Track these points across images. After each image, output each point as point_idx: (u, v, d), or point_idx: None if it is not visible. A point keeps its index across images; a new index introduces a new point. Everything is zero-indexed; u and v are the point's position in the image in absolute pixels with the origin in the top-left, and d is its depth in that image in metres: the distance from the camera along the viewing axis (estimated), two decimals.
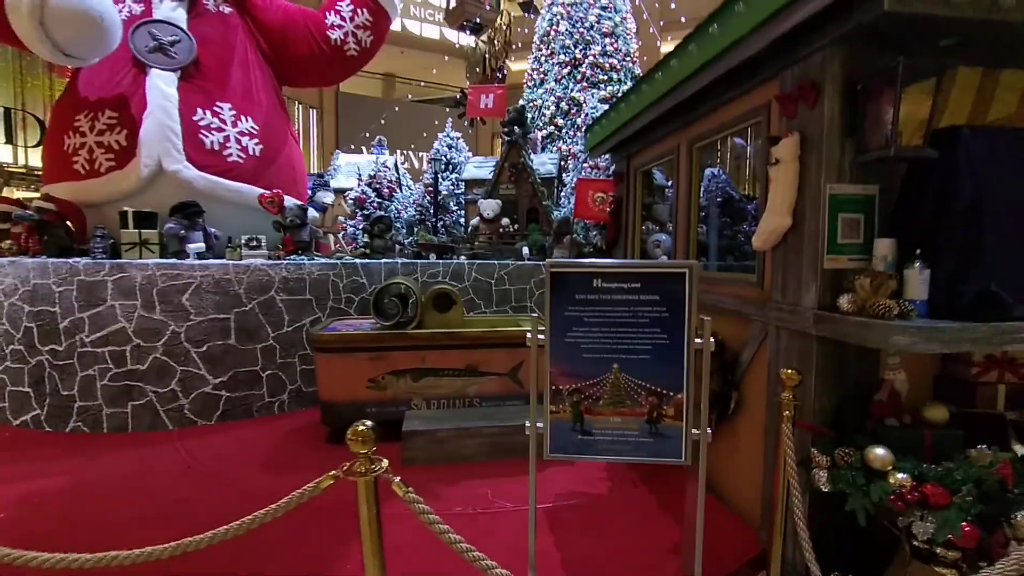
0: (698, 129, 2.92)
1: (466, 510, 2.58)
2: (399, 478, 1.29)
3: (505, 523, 2.43)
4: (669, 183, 4.69)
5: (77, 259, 3.71)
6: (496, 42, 12.86)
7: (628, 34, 9.31)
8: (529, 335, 1.54)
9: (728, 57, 2.23)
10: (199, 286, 3.76)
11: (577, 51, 9.28)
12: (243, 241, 4.35)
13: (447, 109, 9.61)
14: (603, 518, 2.50)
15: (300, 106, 16.38)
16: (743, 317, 2.41)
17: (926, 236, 1.77)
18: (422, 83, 15.61)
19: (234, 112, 4.61)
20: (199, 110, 4.42)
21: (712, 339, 1.41)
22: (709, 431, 1.48)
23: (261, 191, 4.53)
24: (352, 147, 10.50)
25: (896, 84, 1.68)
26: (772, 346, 2.19)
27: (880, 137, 1.80)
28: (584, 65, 9.24)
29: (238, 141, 4.59)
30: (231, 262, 3.90)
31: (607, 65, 9.16)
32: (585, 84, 9.14)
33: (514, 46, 11.51)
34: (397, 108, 13.50)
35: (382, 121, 10.97)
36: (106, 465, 3.11)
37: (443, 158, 6.52)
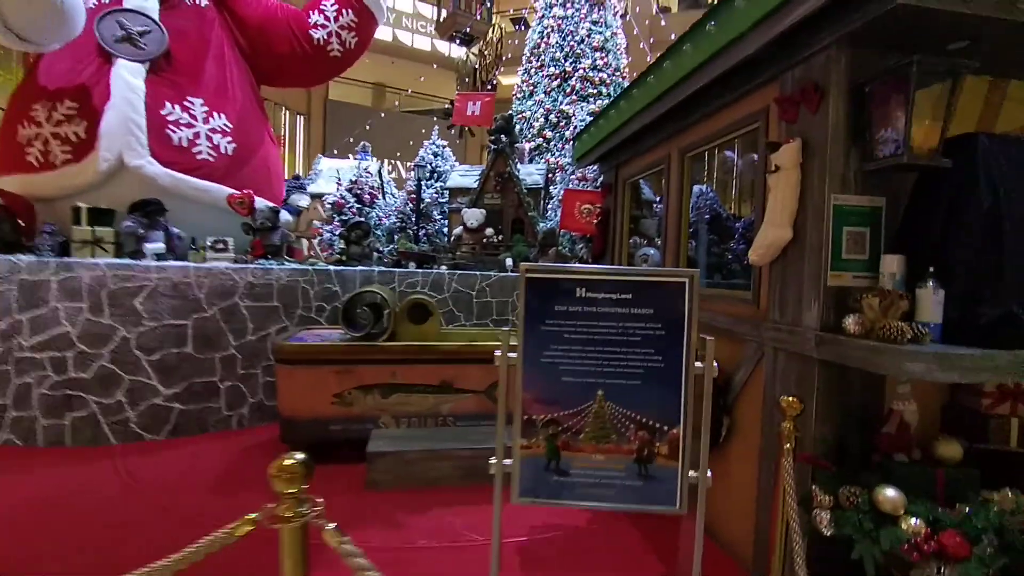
0: (691, 137, 2.78)
1: (431, 543, 2.34)
2: (334, 524, 1.06)
3: (473, 560, 2.19)
4: (658, 199, 4.56)
5: (20, 256, 3.41)
6: (487, 55, 12.85)
7: (618, 49, 9.32)
8: (498, 353, 1.31)
9: (725, 56, 2.08)
10: (155, 289, 3.49)
11: (567, 64, 9.25)
12: (208, 243, 4.09)
13: (435, 120, 9.47)
14: (583, 555, 2.27)
15: (287, 111, 16.18)
16: (736, 337, 2.23)
17: (939, 252, 1.62)
18: (409, 92, 15.50)
19: (206, 108, 4.38)
20: (168, 104, 4.18)
21: (715, 363, 1.25)
22: (710, 474, 1.28)
23: (231, 191, 4.29)
24: (336, 152, 10.29)
25: (909, 85, 1.54)
26: (768, 369, 2.01)
27: (890, 144, 1.65)
28: (574, 78, 9.20)
29: (209, 138, 4.35)
30: (191, 264, 3.64)
31: (597, 79, 9.14)
32: (574, 97, 9.09)
33: (504, 57, 11.46)
34: (383, 115, 13.34)
35: (367, 127, 10.78)
36: (34, 483, 2.80)
37: (427, 165, 6.33)
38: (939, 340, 1.57)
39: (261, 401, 3.90)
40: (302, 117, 16.87)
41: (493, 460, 1.36)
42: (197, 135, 4.27)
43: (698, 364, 1.26)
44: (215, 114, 4.43)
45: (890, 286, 1.69)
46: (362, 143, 7.99)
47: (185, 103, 4.28)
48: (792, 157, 1.88)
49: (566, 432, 1.29)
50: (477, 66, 12.83)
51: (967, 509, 1.50)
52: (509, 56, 11.53)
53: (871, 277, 1.79)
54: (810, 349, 1.77)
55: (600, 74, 9.25)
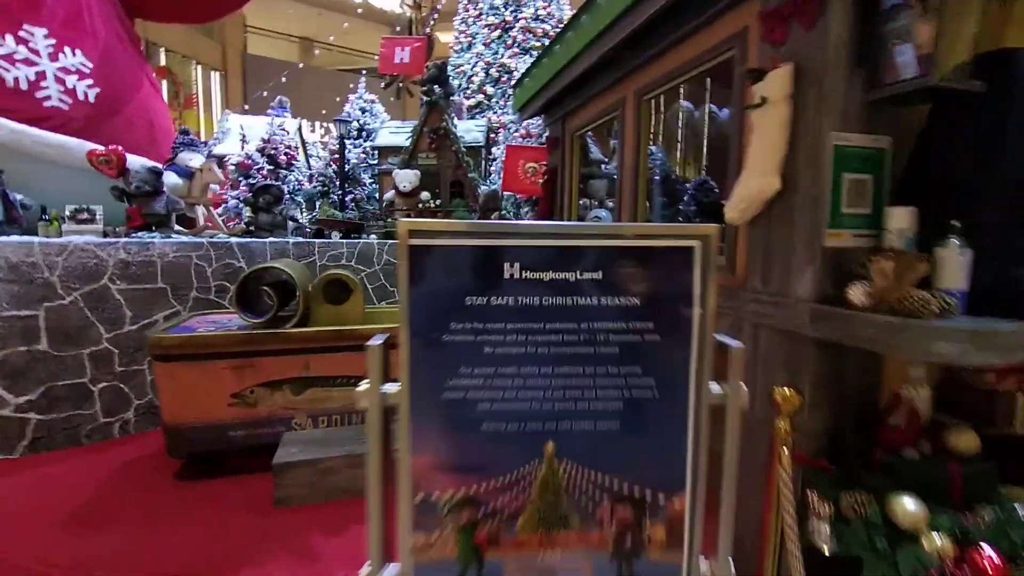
0: (649, 75, 2.36)
1: (353, 573, 1.91)
2: None
3: None
4: (607, 160, 4.15)
5: None
6: (422, 6, 11.86)
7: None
8: (363, 387, 0.84)
9: None
10: None
11: (507, 13, 8.56)
12: (68, 213, 3.30)
13: (363, 73, 8.54)
14: None
15: (199, 66, 14.40)
16: None
17: (964, 202, 1.30)
18: (332, 39, 14.16)
19: (52, 42, 3.48)
20: None
21: (743, 387, 0.82)
22: (731, 563, 0.90)
23: (95, 147, 3.46)
24: (247, 108, 9.15)
25: None
26: (748, 348, 1.69)
27: (909, 63, 1.29)
28: (515, 29, 8.54)
29: (60, 80, 3.47)
30: (37, 239, 2.88)
31: (539, 31, 8.52)
32: (516, 50, 8.45)
33: (439, 5, 10.51)
34: (301, 65, 12.07)
35: (283, 79, 9.64)
36: None
37: (352, 120, 5.58)
38: (964, 311, 1.27)
39: (151, 402, 3.25)
40: (217, 73, 15.11)
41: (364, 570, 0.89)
42: (42, 75, 3.39)
43: (715, 387, 0.80)
44: (67, 50, 3.53)
45: (899, 245, 1.38)
46: (278, 98, 7.04)
47: (21, 34, 3.36)
48: (782, 86, 1.49)
49: (492, 517, 0.78)
50: (412, 20, 11.84)
51: (991, 514, 1.24)
52: (444, 3, 10.58)
53: (873, 235, 1.47)
54: (803, 325, 1.45)
55: (543, 25, 8.62)
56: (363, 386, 0.86)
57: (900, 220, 1.38)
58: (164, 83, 12.86)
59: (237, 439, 2.64)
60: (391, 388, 0.84)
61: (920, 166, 1.46)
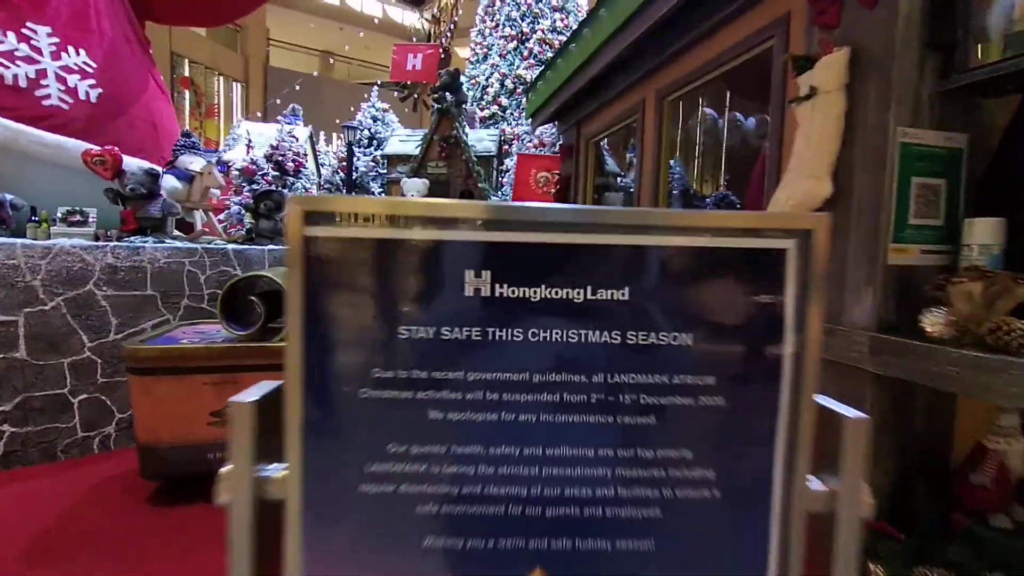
0: (672, 74, 2.15)
1: None
2: None
3: None
4: (623, 174, 3.93)
5: None
6: (441, 23, 11.96)
7: (579, 10, 8.61)
8: (226, 484, 0.53)
9: None
10: None
11: (524, 24, 8.48)
12: (60, 215, 3.18)
13: (378, 84, 8.52)
14: None
15: (221, 77, 14.67)
16: None
17: None
18: (353, 59, 14.36)
19: (56, 40, 3.40)
20: None
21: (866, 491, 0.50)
22: None
23: (91, 147, 3.35)
24: (258, 115, 9.17)
25: None
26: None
27: (1000, 34, 1.06)
28: (531, 40, 8.45)
29: (62, 79, 3.39)
30: (19, 241, 2.74)
31: (556, 43, 8.41)
32: (532, 61, 8.35)
33: (456, 17, 10.53)
34: (316, 73, 12.17)
35: (296, 87, 9.67)
36: None
37: (360, 126, 5.47)
38: None
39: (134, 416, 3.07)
40: (239, 84, 15.38)
41: None
42: (43, 73, 3.30)
43: (815, 482, 0.51)
44: (70, 49, 3.45)
45: (981, 263, 1.13)
46: (291, 106, 6.99)
47: (24, 31, 3.29)
48: (836, 75, 1.27)
49: None
50: (431, 35, 11.93)
51: None
52: (461, 15, 10.59)
53: (947, 251, 1.23)
54: (861, 358, 1.20)
55: (560, 36, 8.52)
56: (225, 470, 0.54)
57: (984, 233, 1.14)
58: (187, 93, 13.11)
59: (216, 462, 2.42)
60: (274, 471, 0.53)
61: (1005, 168, 1.22)
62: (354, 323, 0.51)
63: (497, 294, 0.49)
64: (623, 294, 0.49)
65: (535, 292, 0.49)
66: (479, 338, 0.49)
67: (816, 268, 0.48)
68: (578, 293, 0.49)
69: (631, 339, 0.49)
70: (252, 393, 0.56)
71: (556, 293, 0.49)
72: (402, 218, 0.48)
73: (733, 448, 0.50)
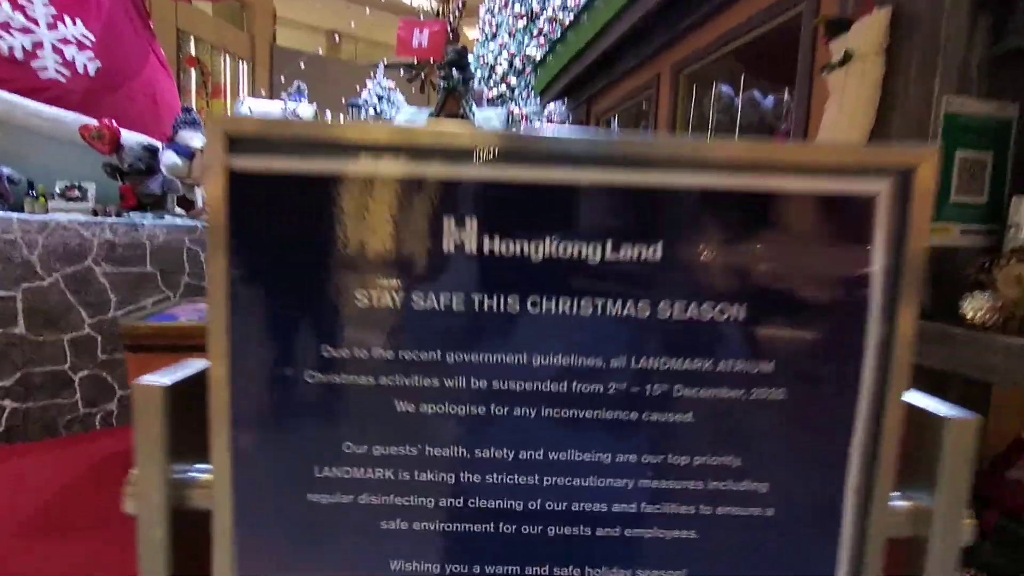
0: (690, 45, 2.04)
1: None
2: None
3: None
4: None
5: None
6: (449, 1, 11.71)
7: None
8: (133, 490, 0.42)
9: None
10: None
11: (534, 2, 8.26)
12: (58, 189, 3.12)
13: (384, 62, 8.35)
14: None
15: (227, 56, 14.49)
16: None
17: None
18: (361, 39, 14.13)
19: (52, 11, 3.31)
20: None
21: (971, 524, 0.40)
22: None
23: (89, 121, 3.28)
24: (262, 92, 9.05)
25: None
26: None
27: None
28: (541, 19, 8.24)
29: (59, 51, 3.30)
30: (16, 215, 2.69)
31: (567, 21, 8.21)
32: (542, 40, 8.15)
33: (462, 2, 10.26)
34: (320, 51, 11.98)
35: (301, 66, 9.52)
36: None
37: (363, 104, 5.35)
38: None
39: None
40: (245, 63, 15.21)
41: None
42: (39, 45, 3.22)
43: (899, 500, 0.41)
44: (67, 20, 3.36)
45: None
46: (296, 83, 6.87)
47: (20, 1, 3.20)
48: (875, 38, 1.16)
49: None
50: (439, 14, 11.69)
51: None
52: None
53: (989, 231, 1.14)
54: None
55: (571, 16, 8.31)
56: (132, 483, 0.44)
57: None
58: (192, 71, 12.97)
59: None
60: (198, 474, 0.43)
61: None
62: (296, 286, 0.39)
63: (486, 250, 0.37)
64: (654, 252, 0.36)
65: (536, 248, 0.37)
66: (461, 308, 0.37)
67: (918, 222, 0.37)
68: (594, 250, 0.37)
69: (664, 312, 0.37)
70: (166, 374, 0.43)
71: (564, 250, 0.37)
72: (360, 147, 0.36)
73: (794, 455, 0.39)
